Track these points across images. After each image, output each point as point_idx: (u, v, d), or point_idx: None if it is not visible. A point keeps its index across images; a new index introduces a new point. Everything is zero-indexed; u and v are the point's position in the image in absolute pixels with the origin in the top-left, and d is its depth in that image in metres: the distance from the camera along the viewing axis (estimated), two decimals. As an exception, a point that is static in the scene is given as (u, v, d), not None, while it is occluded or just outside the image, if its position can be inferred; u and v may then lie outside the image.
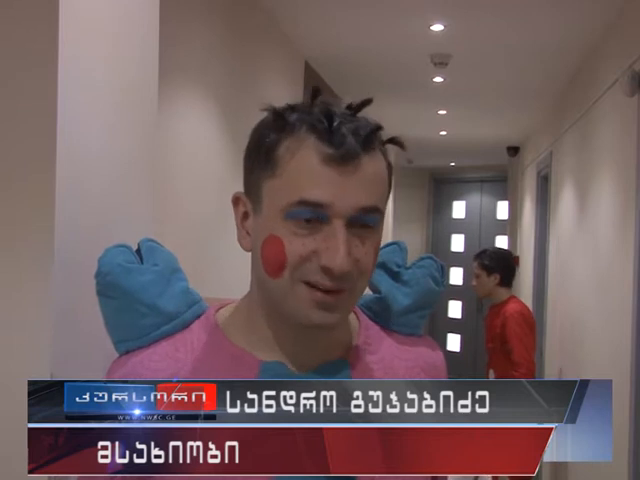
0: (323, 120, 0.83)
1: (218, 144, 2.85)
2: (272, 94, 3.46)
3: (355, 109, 0.86)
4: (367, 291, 1.05)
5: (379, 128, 0.86)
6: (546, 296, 5.26)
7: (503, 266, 4.10)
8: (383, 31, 3.80)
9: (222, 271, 2.77)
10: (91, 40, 1.22)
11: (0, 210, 1.10)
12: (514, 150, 7.69)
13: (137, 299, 0.93)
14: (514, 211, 7.99)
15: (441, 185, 10.34)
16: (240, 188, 0.92)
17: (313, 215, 0.82)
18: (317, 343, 0.90)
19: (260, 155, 0.86)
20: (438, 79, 4.78)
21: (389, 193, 0.91)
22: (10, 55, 1.10)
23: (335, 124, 0.82)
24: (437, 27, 3.68)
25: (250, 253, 0.90)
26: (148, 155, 1.50)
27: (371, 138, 0.84)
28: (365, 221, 0.84)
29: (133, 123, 1.42)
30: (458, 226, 10.12)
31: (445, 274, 1.06)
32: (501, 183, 9.21)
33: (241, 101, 3.03)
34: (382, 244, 1.08)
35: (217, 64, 2.88)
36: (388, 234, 7.18)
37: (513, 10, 3.39)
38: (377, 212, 0.85)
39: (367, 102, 0.86)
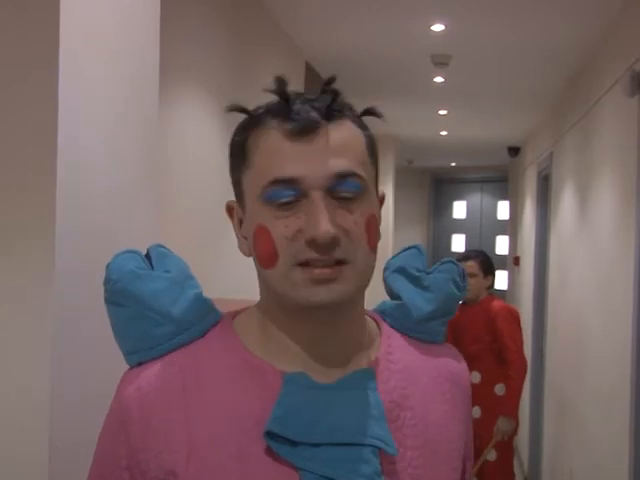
0: (282, 102, 0.84)
1: (219, 143, 2.85)
2: (273, 94, 3.45)
3: (324, 86, 0.86)
4: (386, 298, 1.02)
5: (337, 95, 0.85)
6: (547, 296, 5.26)
7: (493, 269, 4.10)
8: (384, 31, 3.80)
9: (225, 270, 2.77)
10: (92, 39, 1.22)
11: (0, 215, 1.10)
12: (515, 150, 7.68)
13: (150, 307, 0.87)
14: (515, 211, 7.98)
15: (442, 185, 10.34)
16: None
17: (290, 194, 0.81)
18: (334, 345, 0.87)
19: (235, 154, 0.88)
20: (439, 79, 4.78)
21: (376, 165, 0.89)
22: (11, 55, 1.10)
23: (293, 102, 0.84)
24: (438, 27, 3.68)
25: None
26: (150, 156, 1.50)
27: (332, 107, 0.84)
28: (345, 188, 0.82)
29: (134, 124, 1.42)
30: (459, 226, 10.13)
31: (466, 278, 1.02)
32: (502, 183, 9.22)
33: (242, 101, 3.02)
34: (398, 248, 1.06)
35: (218, 64, 2.88)
36: (389, 235, 7.16)
37: (513, 10, 3.39)
38: (355, 177, 0.83)
39: (331, 80, 0.86)
